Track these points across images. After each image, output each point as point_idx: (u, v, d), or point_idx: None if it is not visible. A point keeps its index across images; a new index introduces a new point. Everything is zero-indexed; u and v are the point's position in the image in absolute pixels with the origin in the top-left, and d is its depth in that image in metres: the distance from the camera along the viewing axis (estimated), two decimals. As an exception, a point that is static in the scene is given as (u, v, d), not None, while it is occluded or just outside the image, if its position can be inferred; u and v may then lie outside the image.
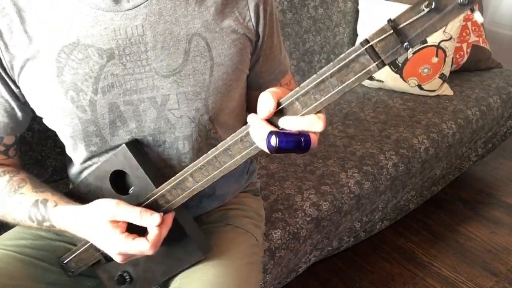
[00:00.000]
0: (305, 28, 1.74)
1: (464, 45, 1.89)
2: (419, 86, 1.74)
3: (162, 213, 0.65)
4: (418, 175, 1.52)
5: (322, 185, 1.26)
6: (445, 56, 1.69)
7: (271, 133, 0.52)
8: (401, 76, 1.74)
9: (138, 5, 0.65)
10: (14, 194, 0.72)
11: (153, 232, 0.64)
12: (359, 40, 1.87)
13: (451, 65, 1.80)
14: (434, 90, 1.75)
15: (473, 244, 1.64)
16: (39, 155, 1.14)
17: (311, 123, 0.53)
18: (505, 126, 1.95)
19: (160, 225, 0.64)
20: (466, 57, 1.92)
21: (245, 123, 0.87)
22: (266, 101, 0.54)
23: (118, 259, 0.67)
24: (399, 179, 1.41)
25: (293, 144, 0.51)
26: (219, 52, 0.70)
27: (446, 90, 1.78)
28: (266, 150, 0.54)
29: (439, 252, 1.61)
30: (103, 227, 0.64)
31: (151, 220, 0.64)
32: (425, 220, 1.76)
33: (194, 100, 0.70)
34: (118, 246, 0.64)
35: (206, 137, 0.75)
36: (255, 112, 0.55)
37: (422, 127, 1.55)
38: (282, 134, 0.51)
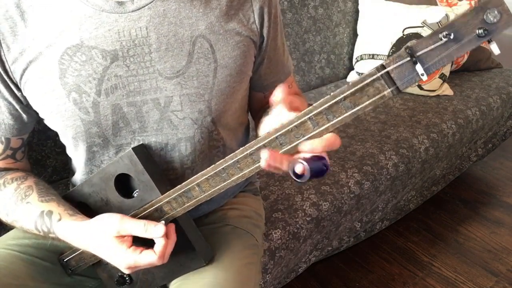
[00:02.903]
0: (305, 28, 1.74)
1: (464, 45, 1.89)
2: (419, 86, 1.74)
3: (164, 222, 0.65)
4: (418, 175, 1.52)
5: (322, 185, 1.26)
6: (445, 56, 1.69)
7: (297, 161, 0.50)
8: (401, 76, 1.73)
9: (142, 7, 0.65)
10: (21, 203, 0.72)
11: (159, 243, 0.64)
12: (359, 40, 1.87)
13: (451, 65, 1.80)
14: (434, 90, 1.75)
15: (473, 244, 1.64)
16: (39, 155, 1.14)
17: (332, 142, 0.51)
18: (505, 126, 1.95)
19: (165, 236, 0.64)
20: (466, 57, 1.92)
21: (247, 124, 0.88)
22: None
23: (127, 271, 0.67)
24: (399, 179, 1.41)
25: (322, 172, 0.50)
26: (223, 54, 0.69)
27: (446, 90, 1.78)
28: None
29: (439, 252, 1.61)
30: (110, 243, 0.64)
31: (156, 231, 0.64)
32: (425, 220, 1.75)
33: (197, 102, 0.69)
34: (126, 261, 0.64)
35: (208, 139, 0.74)
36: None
37: (422, 127, 1.55)
38: (310, 161, 0.49)
